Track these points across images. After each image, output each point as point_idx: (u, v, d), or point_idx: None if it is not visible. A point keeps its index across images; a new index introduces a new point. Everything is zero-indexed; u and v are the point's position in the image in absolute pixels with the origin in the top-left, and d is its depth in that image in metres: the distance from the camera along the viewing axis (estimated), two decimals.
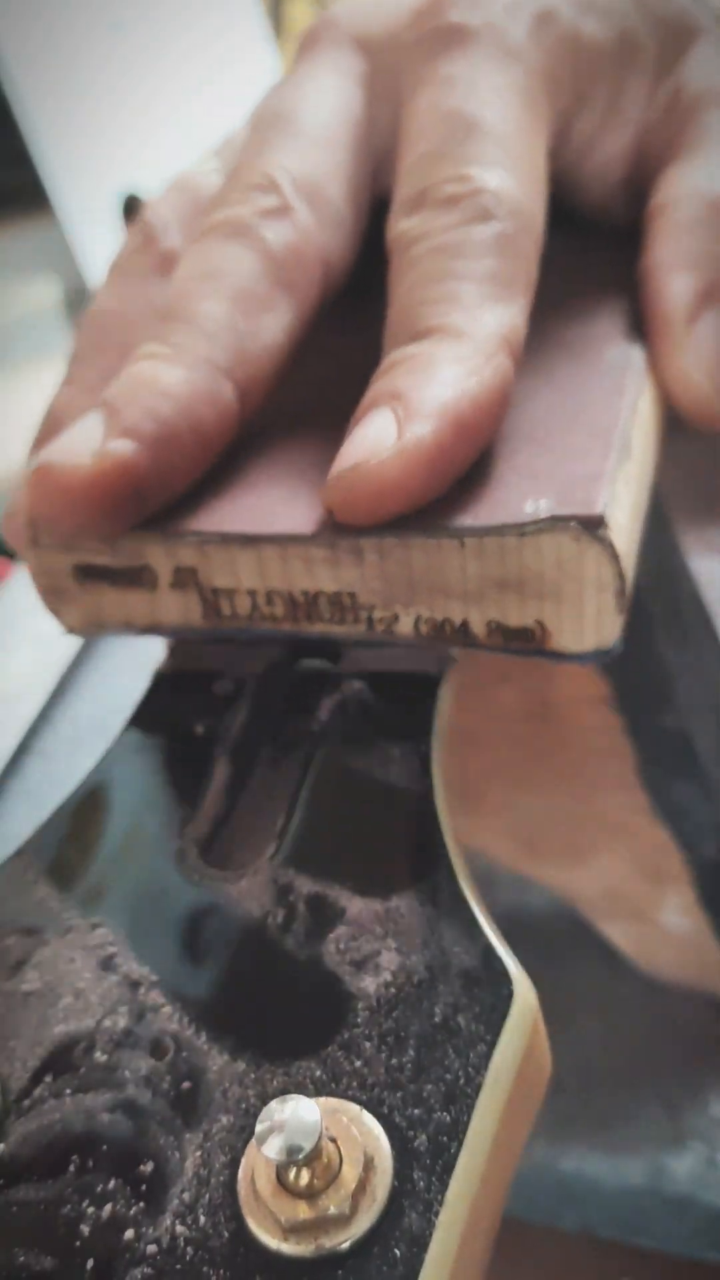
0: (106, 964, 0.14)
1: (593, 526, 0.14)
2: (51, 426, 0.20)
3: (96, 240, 0.75)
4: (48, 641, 0.38)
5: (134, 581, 0.17)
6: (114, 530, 0.16)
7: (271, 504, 0.16)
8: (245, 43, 0.90)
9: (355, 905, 0.14)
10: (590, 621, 0.15)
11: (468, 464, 0.16)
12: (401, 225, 0.18)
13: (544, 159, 0.19)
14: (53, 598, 0.18)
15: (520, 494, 0.15)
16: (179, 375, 0.17)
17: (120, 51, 0.79)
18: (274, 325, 0.18)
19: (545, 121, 0.19)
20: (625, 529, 0.15)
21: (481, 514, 0.15)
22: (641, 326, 0.19)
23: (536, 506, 0.15)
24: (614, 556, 0.14)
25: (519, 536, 0.15)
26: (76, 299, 0.76)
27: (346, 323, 0.19)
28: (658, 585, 0.23)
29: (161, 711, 0.17)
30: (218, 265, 0.18)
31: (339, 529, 0.15)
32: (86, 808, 0.16)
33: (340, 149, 0.20)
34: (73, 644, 0.39)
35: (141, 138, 0.80)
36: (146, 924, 0.14)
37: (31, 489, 0.16)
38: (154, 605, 0.17)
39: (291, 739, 0.16)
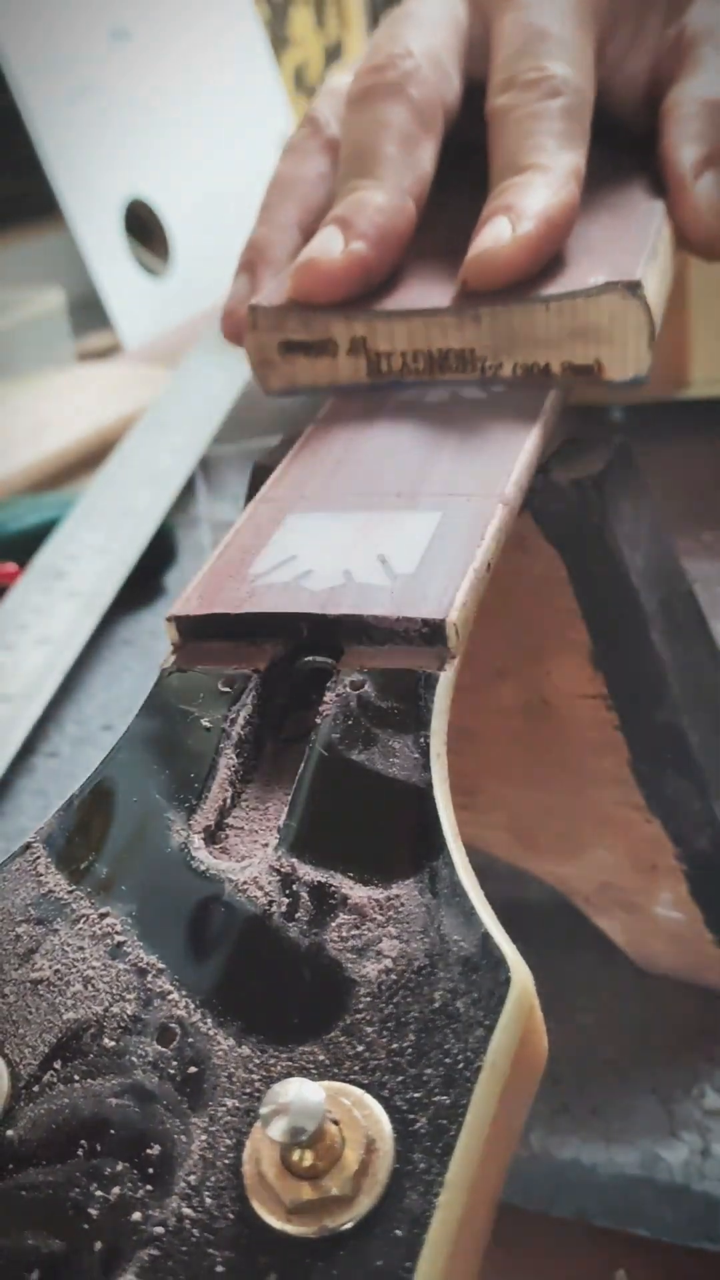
0: (115, 952, 0.14)
1: (634, 288, 0.22)
2: (254, 253, 0.28)
3: (104, 248, 0.75)
4: (54, 641, 0.38)
5: (321, 351, 0.24)
6: (349, 297, 0.24)
7: (418, 289, 0.24)
8: (244, 55, 0.90)
9: (357, 894, 0.14)
10: (631, 356, 0.23)
11: (554, 252, 0.24)
12: (498, 101, 0.27)
13: (593, 59, 0.28)
14: (262, 368, 0.25)
15: (585, 273, 0.23)
16: (383, 197, 0.25)
17: (126, 63, 0.79)
18: (425, 157, 0.26)
19: (592, 36, 0.28)
20: (654, 295, 0.23)
21: (560, 285, 0.23)
22: (661, 192, 0.27)
23: (597, 278, 0.22)
24: (647, 309, 0.22)
25: (586, 299, 0.22)
26: (83, 306, 0.76)
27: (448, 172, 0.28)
28: (653, 586, 0.23)
29: (167, 706, 0.17)
30: (385, 117, 0.26)
31: (465, 302, 0.23)
32: (95, 800, 0.16)
33: (450, 35, 0.29)
34: (79, 643, 0.39)
35: (147, 148, 0.80)
36: (154, 913, 0.14)
37: (296, 276, 0.24)
38: (334, 368, 0.24)
39: (295, 733, 0.16)
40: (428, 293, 0.24)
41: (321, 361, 0.24)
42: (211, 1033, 0.13)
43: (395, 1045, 0.12)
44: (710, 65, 0.29)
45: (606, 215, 0.26)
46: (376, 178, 0.25)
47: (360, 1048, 0.12)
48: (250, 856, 0.15)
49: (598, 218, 0.26)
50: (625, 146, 0.30)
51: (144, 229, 0.81)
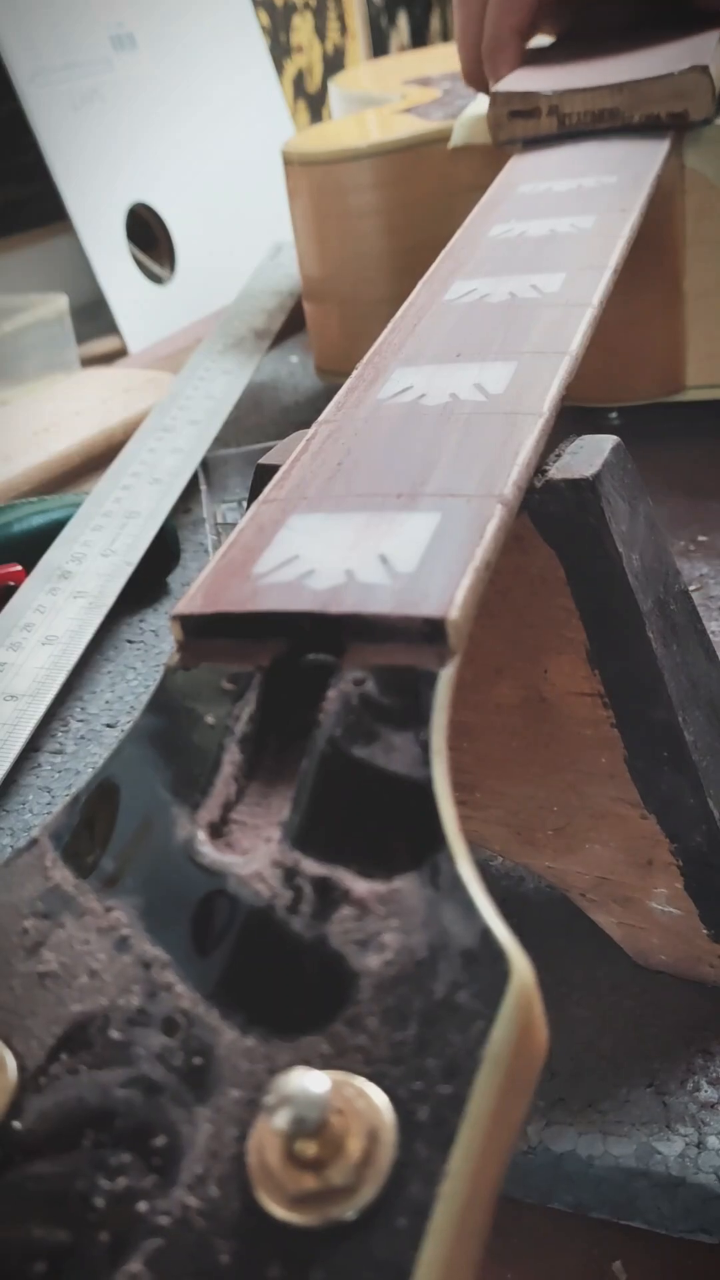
0: (120, 945, 0.14)
1: (703, 69, 0.42)
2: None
3: (109, 254, 0.75)
4: (60, 640, 0.38)
5: (532, 115, 0.44)
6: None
7: (587, 76, 0.45)
8: (245, 63, 0.90)
9: (359, 887, 0.14)
10: (704, 106, 0.43)
11: None
12: None
13: None
14: (495, 129, 0.45)
15: (679, 62, 0.43)
16: None
17: (130, 71, 0.79)
18: None
19: None
20: (715, 72, 0.42)
21: (667, 68, 0.43)
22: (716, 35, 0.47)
23: (686, 64, 0.43)
24: (710, 78, 0.42)
25: (681, 74, 0.42)
26: (88, 311, 0.76)
27: None
28: (648, 585, 0.23)
29: (172, 704, 0.17)
30: None
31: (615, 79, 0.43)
32: (101, 795, 0.16)
33: None
34: (84, 642, 0.39)
35: (152, 154, 0.80)
36: (159, 906, 0.14)
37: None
38: (538, 125, 0.44)
39: (298, 729, 0.17)
40: (591, 77, 0.43)
41: (530, 121, 0.43)
42: (216, 1024, 0.13)
43: (397, 1036, 0.12)
44: None
45: (688, 42, 0.46)
46: None
47: (363, 1039, 0.12)
48: (254, 851, 0.15)
49: (683, 43, 0.46)
50: (691, 25, 0.49)
51: (148, 235, 0.81)
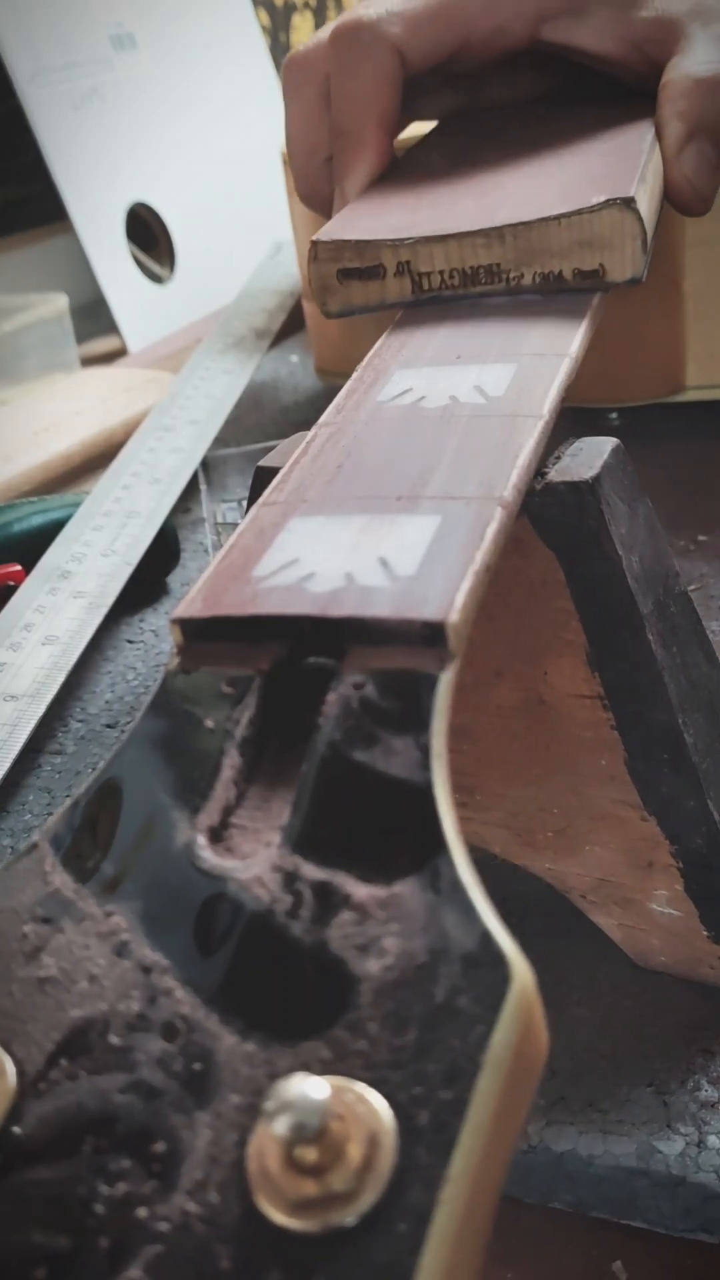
0: (120, 950, 0.14)
1: (629, 202, 0.28)
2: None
3: (109, 253, 0.75)
4: (59, 640, 0.38)
5: (372, 275, 0.29)
6: None
7: (449, 219, 0.29)
8: (245, 62, 0.90)
9: (359, 891, 0.14)
10: (629, 260, 0.28)
11: None
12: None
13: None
14: (322, 294, 0.30)
15: (590, 194, 0.28)
16: None
17: (130, 70, 0.79)
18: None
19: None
20: (645, 209, 0.29)
21: (570, 204, 0.28)
22: (646, 137, 0.33)
23: (599, 197, 0.28)
24: (640, 219, 0.28)
25: (590, 214, 0.28)
26: (87, 311, 0.76)
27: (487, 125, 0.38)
28: (648, 587, 0.23)
29: (172, 707, 0.17)
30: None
31: (492, 223, 0.28)
32: (100, 800, 0.16)
33: None
34: (84, 642, 0.39)
35: (152, 154, 0.80)
36: (158, 911, 0.14)
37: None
38: (383, 289, 0.30)
39: (298, 732, 0.17)
40: (464, 216, 0.29)
41: (372, 284, 0.30)
42: (216, 1030, 0.13)
43: (398, 1041, 0.12)
44: (699, 43, 0.35)
45: (608, 151, 0.33)
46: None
47: (363, 1044, 0.12)
48: (254, 855, 0.15)
49: (600, 155, 0.33)
50: (623, 99, 0.37)
51: (148, 234, 0.81)
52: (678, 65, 0.35)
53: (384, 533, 0.19)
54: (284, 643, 0.18)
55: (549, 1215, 0.24)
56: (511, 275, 0.28)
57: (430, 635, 0.17)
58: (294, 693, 0.17)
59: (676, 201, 0.34)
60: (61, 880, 0.15)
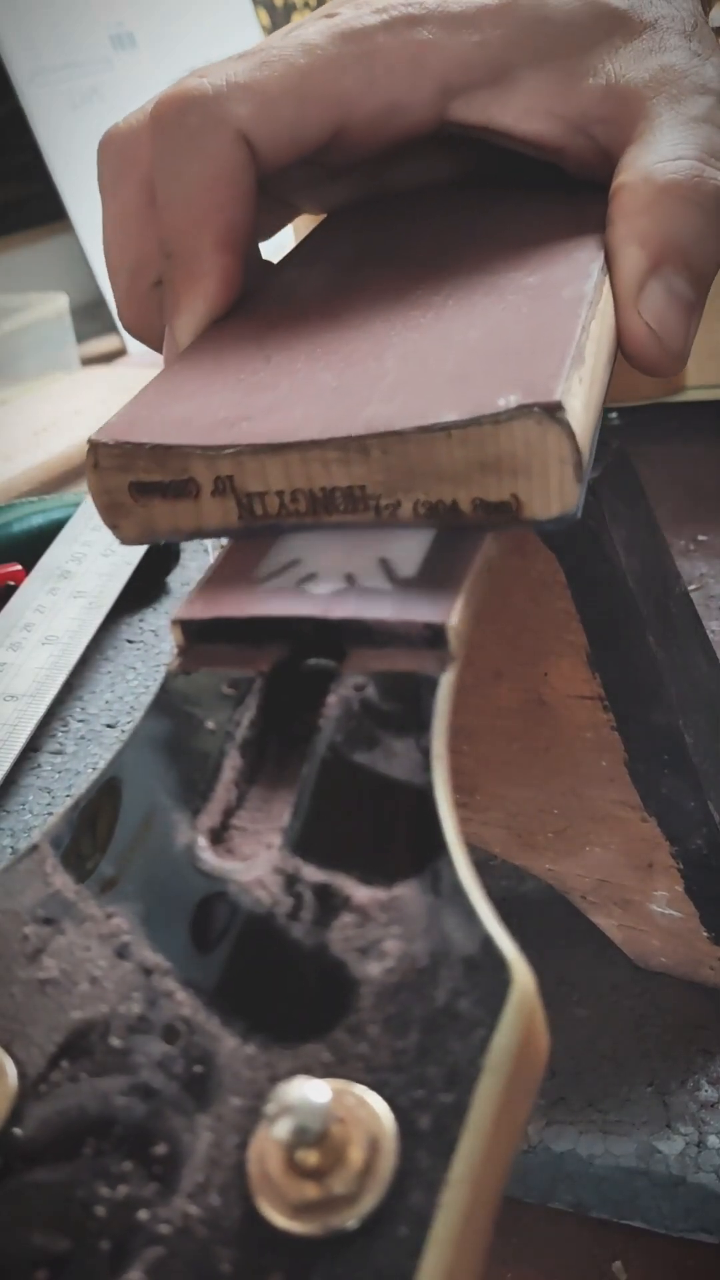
0: (121, 952, 0.14)
1: (552, 411, 0.18)
2: None
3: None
4: (60, 641, 0.38)
5: (181, 493, 0.20)
6: None
7: (293, 417, 0.19)
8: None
9: (360, 894, 0.14)
10: (555, 491, 0.18)
11: None
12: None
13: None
14: (111, 513, 0.21)
15: (494, 392, 0.18)
16: None
17: (130, 69, 0.79)
18: None
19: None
20: (580, 415, 0.18)
21: (464, 407, 0.18)
22: (589, 270, 0.22)
23: (508, 400, 0.18)
24: (571, 435, 0.18)
25: (494, 424, 0.18)
26: (87, 311, 0.76)
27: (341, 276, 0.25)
28: (648, 587, 0.23)
29: (173, 708, 0.17)
30: None
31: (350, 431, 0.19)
32: (101, 801, 0.16)
33: None
34: (84, 642, 0.39)
35: None
36: (159, 913, 0.14)
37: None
38: (198, 512, 0.20)
39: (298, 734, 0.17)
40: (309, 420, 0.19)
41: (182, 505, 0.20)
42: (216, 1032, 0.13)
43: (398, 1044, 0.12)
44: (665, 128, 0.24)
45: (526, 301, 0.21)
46: None
47: (364, 1047, 0.12)
48: (254, 857, 0.15)
49: (524, 302, 0.21)
50: (560, 198, 0.26)
51: None
52: (636, 161, 0.24)
53: (385, 534, 0.19)
54: (285, 644, 0.18)
55: (549, 1215, 0.24)
56: (383, 503, 0.19)
57: (431, 637, 0.17)
58: (295, 694, 0.17)
59: (637, 359, 0.23)
60: (62, 881, 0.15)
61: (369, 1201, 0.11)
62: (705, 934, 0.25)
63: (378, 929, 0.13)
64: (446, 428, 0.18)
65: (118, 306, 0.28)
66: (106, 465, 0.20)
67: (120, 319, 0.29)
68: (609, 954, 0.27)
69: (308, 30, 0.25)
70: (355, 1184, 0.11)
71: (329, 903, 0.14)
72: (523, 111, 0.25)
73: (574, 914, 0.27)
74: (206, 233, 0.24)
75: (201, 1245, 0.11)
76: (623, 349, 0.23)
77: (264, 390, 0.21)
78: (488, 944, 0.13)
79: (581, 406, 0.19)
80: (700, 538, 0.45)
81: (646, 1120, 0.24)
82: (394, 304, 0.23)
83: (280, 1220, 0.11)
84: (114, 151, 0.27)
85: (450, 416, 0.18)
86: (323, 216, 0.31)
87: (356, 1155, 0.11)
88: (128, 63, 0.80)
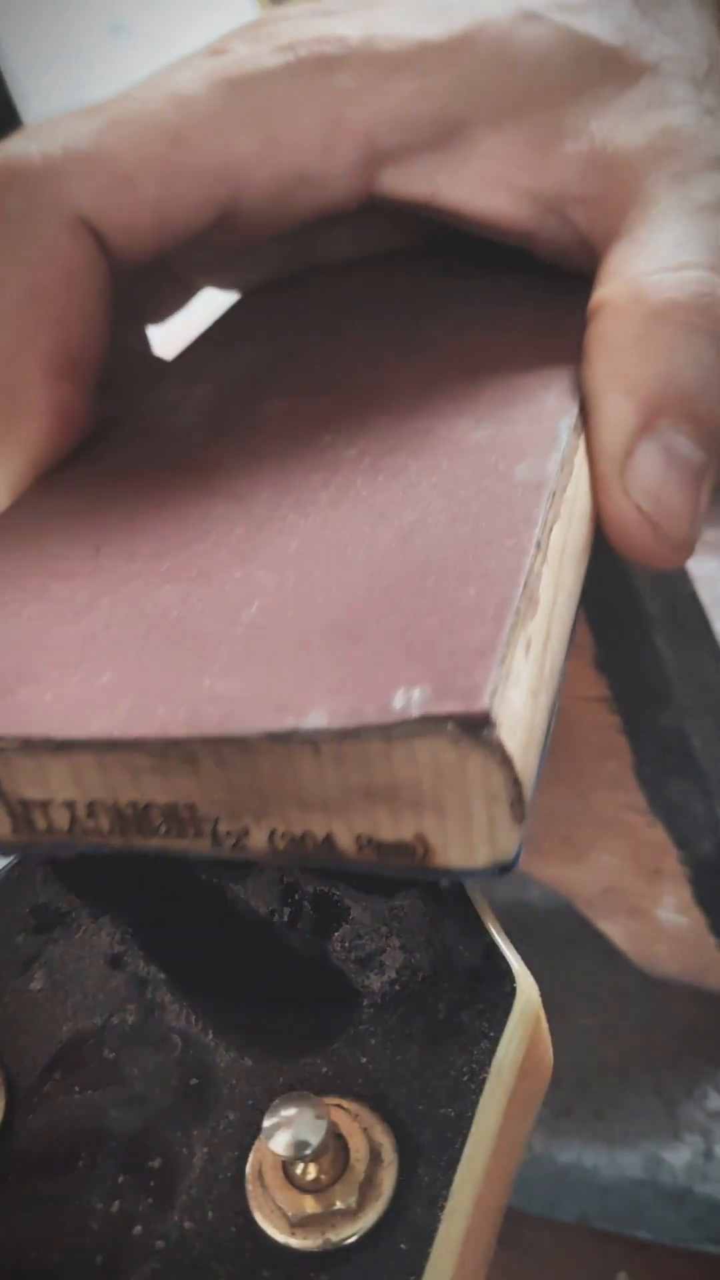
0: (115, 962, 0.14)
1: (475, 727, 0.11)
2: None
3: None
4: None
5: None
6: None
7: (96, 684, 0.13)
8: None
9: (359, 904, 0.14)
10: (481, 834, 0.12)
11: None
12: None
13: None
14: None
15: (391, 678, 0.12)
16: None
17: (125, 59, 0.79)
18: None
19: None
20: (523, 720, 0.12)
21: (340, 709, 0.12)
22: (556, 432, 0.16)
23: (408, 699, 0.12)
24: (504, 761, 0.12)
25: (385, 741, 0.12)
26: None
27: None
28: (656, 587, 0.23)
29: None
30: None
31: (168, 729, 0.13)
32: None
33: None
34: None
35: None
36: (154, 923, 0.14)
37: None
38: (32, 836, 0.14)
39: None
40: (109, 702, 0.13)
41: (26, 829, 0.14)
42: (213, 1044, 0.13)
43: (399, 1057, 0.12)
44: (666, 219, 0.18)
45: (466, 474, 0.15)
46: None
47: (364, 1059, 0.12)
48: (251, 866, 0.15)
49: (450, 483, 0.15)
50: (528, 290, 0.20)
51: None
52: (624, 268, 0.17)
53: None
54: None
55: (552, 1227, 0.24)
56: (222, 829, 0.13)
57: None
58: None
59: (625, 550, 0.17)
60: (55, 890, 0.15)
61: (369, 1216, 0.11)
62: (713, 940, 0.25)
63: (378, 939, 0.13)
64: (311, 739, 0.12)
65: None
66: None
67: None
68: (616, 961, 0.27)
69: (183, 75, 0.19)
70: (355, 1198, 0.11)
71: (328, 913, 0.14)
72: (478, 184, 0.19)
73: (580, 921, 0.27)
74: (32, 357, 0.18)
75: (197, 1260, 0.11)
76: (607, 536, 0.17)
77: (73, 618, 0.14)
78: (491, 954, 0.13)
79: (524, 703, 0.12)
80: (708, 536, 0.44)
81: (653, 1130, 0.24)
82: (291, 460, 0.17)
83: (278, 1235, 0.11)
84: None
85: (317, 721, 0.12)
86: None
87: (357, 1169, 0.11)
88: (122, 53, 0.79)
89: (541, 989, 0.13)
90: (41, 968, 0.14)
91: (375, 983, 0.13)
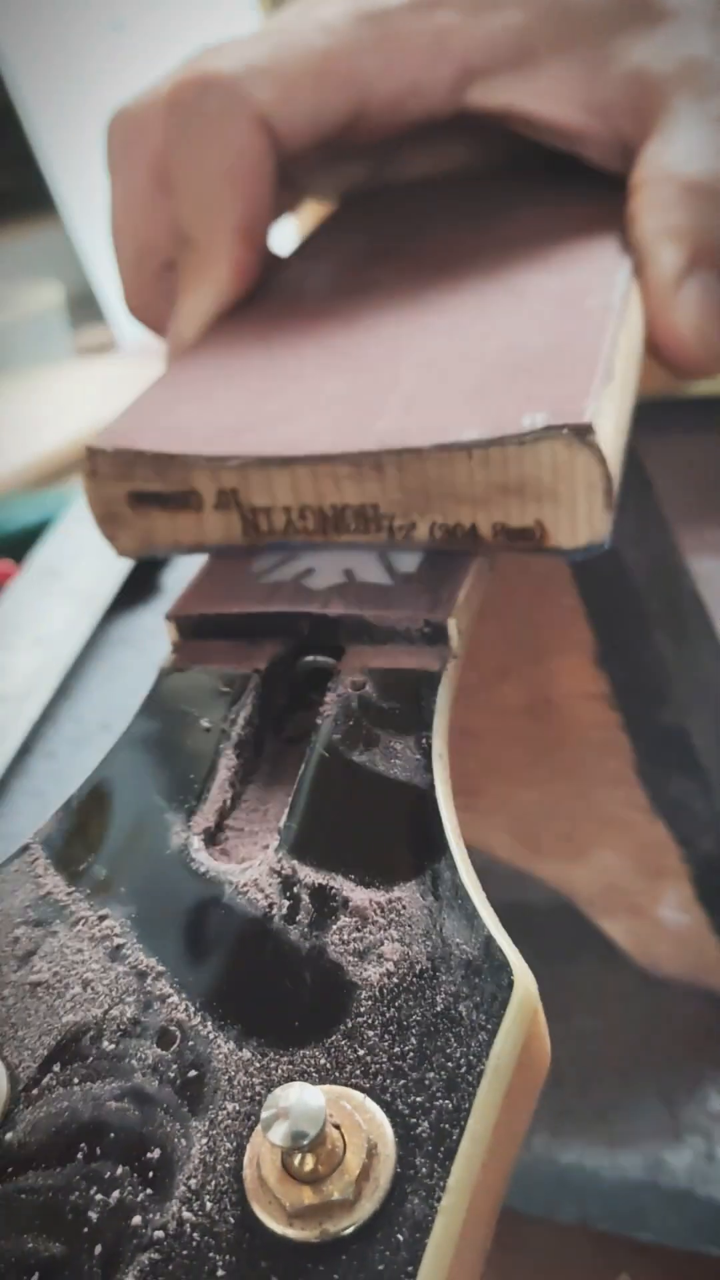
0: (114, 954, 0.14)
1: (582, 433, 0.17)
2: None
3: (101, 243, 0.75)
4: (51, 641, 0.38)
5: (182, 504, 0.19)
6: None
7: (302, 427, 0.19)
8: None
9: (358, 896, 0.14)
10: (583, 519, 0.17)
11: None
12: None
13: None
14: (108, 524, 0.20)
15: (519, 411, 0.17)
16: None
17: (122, 55, 0.79)
18: None
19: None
20: (611, 437, 0.17)
21: (486, 425, 0.17)
22: (615, 278, 0.21)
23: (534, 419, 0.17)
24: (601, 459, 0.17)
25: (519, 445, 0.17)
26: (80, 302, 0.76)
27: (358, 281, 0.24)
28: (656, 584, 0.23)
29: (167, 706, 0.17)
30: None
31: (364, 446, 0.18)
32: (93, 801, 0.16)
33: None
34: (77, 643, 0.39)
35: None
36: (153, 915, 0.14)
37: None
38: (200, 526, 0.19)
39: (295, 733, 0.16)
40: (320, 432, 0.18)
41: (183, 517, 0.19)
42: (212, 1036, 0.13)
43: (397, 1049, 0.12)
44: (688, 125, 0.24)
45: (549, 308, 0.21)
46: None
47: (362, 1051, 0.12)
48: (250, 858, 0.15)
49: (546, 314, 0.20)
50: (588, 191, 0.25)
51: None
52: (658, 158, 0.23)
53: None
54: (281, 641, 0.17)
55: (553, 1229, 0.24)
56: (396, 524, 0.18)
57: (432, 633, 0.17)
58: (292, 692, 0.17)
59: (675, 361, 0.22)
60: (54, 883, 0.15)
61: (367, 1207, 0.11)
62: (715, 939, 0.25)
63: (376, 932, 0.13)
64: (467, 447, 0.17)
65: (123, 289, 0.28)
66: (104, 473, 0.19)
67: (125, 302, 0.28)
68: (617, 961, 0.27)
69: (325, 10, 0.25)
70: (353, 1189, 0.11)
71: (326, 905, 0.14)
72: (545, 96, 0.25)
73: (581, 920, 0.27)
74: (225, 222, 0.24)
75: (196, 1251, 0.11)
76: (659, 351, 0.22)
77: (271, 396, 0.20)
78: (489, 946, 0.13)
79: (612, 428, 0.18)
80: (707, 535, 0.44)
81: (654, 1132, 0.24)
82: (407, 305, 0.22)
83: (276, 1226, 0.11)
84: (123, 132, 0.26)
85: (471, 435, 0.17)
86: (328, 207, 0.30)
87: (354, 1160, 0.11)
88: (121, 49, 0.79)
89: (542, 989, 0.13)
90: (41, 960, 0.14)
91: (373, 975, 0.13)
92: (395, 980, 0.13)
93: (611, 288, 0.21)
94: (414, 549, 0.18)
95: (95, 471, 0.19)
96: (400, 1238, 0.11)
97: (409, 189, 0.29)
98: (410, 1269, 0.11)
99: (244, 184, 0.24)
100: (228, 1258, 0.11)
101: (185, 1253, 0.11)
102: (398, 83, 0.25)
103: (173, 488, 0.19)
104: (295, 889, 0.14)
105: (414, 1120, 0.12)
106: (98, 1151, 0.12)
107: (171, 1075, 0.12)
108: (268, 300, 0.24)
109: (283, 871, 0.14)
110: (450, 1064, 0.12)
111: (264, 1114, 0.11)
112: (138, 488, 0.19)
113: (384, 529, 0.18)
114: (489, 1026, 0.12)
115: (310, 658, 0.17)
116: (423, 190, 0.29)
